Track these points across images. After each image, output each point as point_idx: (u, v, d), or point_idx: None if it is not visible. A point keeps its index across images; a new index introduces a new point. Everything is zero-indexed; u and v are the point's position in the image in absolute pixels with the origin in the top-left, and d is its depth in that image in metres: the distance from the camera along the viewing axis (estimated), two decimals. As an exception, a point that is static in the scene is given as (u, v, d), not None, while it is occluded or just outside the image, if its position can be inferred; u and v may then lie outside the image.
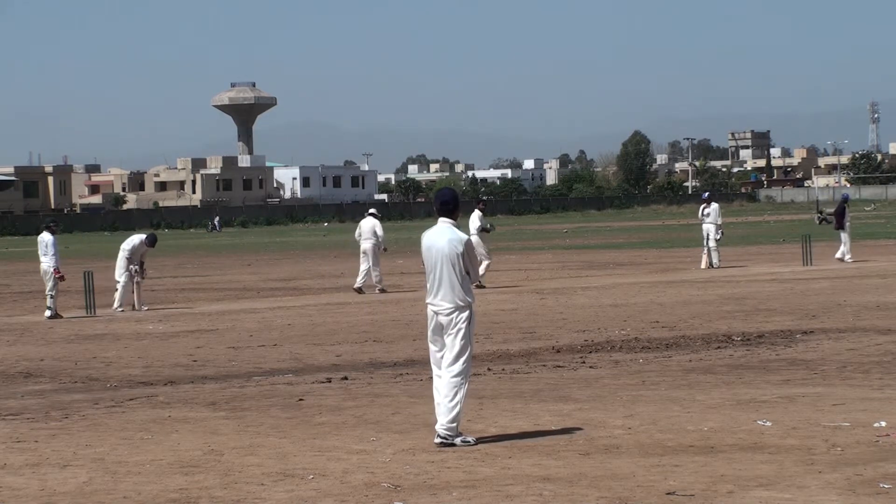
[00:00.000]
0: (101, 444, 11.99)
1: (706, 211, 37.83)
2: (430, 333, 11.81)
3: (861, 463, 10.14)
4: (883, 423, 11.72)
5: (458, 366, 11.53)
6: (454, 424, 11.42)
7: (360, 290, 31.59)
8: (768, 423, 11.94)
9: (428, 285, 11.78)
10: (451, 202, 11.85)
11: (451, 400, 11.44)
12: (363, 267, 32.00)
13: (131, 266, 28.65)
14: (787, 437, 11.32)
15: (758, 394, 13.81)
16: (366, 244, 32.07)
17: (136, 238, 29.42)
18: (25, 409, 14.53)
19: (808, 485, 9.48)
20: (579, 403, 13.51)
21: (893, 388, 14.08)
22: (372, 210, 34.17)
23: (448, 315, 11.56)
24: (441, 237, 11.69)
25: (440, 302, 11.62)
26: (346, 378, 16.14)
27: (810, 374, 15.39)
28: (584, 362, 17.07)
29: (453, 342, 11.56)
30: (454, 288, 11.58)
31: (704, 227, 37.82)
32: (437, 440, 11.42)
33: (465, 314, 11.58)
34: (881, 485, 9.40)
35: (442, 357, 11.64)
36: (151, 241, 29.47)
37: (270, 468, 10.60)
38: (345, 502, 9.40)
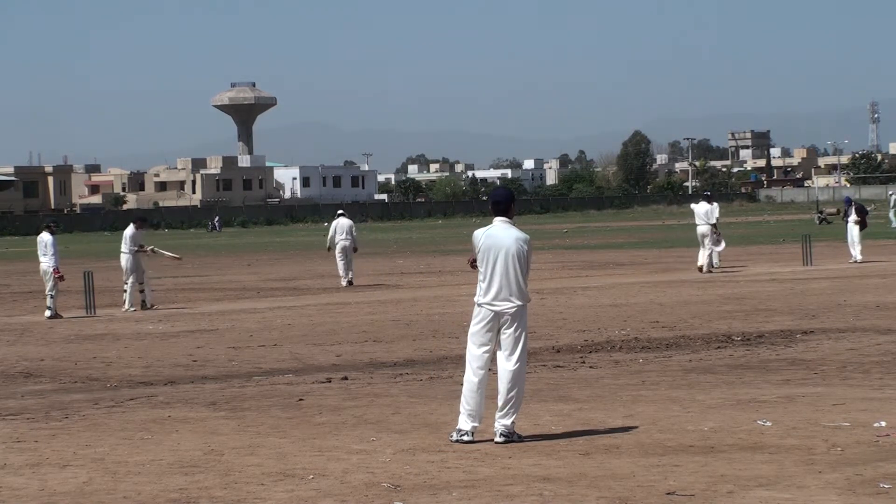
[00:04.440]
0: (101, 444, 11.99)
1: (702, 210, 37.64)
2: (478, 332, 11.62)
3: (861, 463, 10.13)
4: (883, 423, 11.71)
5: (520, 359, 11.57)
6: (514, 419, 11.52)
7: (351, 283, 34.43)
8: (768, 423, 11.93)
9: (484, 284, 11.61)
10: (504, 202, 11.82)
11: (510, 392, 11.50)
12: (343, 263, 34.73)
13: (142, 249, 29.09)
14: (787, 437, 11.32)
15: (758, 394, 13.80)
16: (344, 242, 34.82)
17: (127, 232, 29.38)
18: (25, 409, 14.53)
19: (808, 485, 9.48)
20: (579, 403, 13.50)
21: (893, 388, 14.08)
22: (342, 211, 37.06)
23: (513, 311, 11.55)
24: (506, 236, 11.65)
25: (506, 300, 11.55)
26: (346, 378, 16.13)
27: (810, 374, 15.39)
28: (584, 362, 17.07)
29: (516, 337, 11.56)
30: (520, 285, 11.59)
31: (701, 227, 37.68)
32: (500, 438, 11.43)
33: (526, 311, 11.65)
34: (881, 485, 9.40)
35: (489, 355, 11.62)
36: (136, 220, 30.14)
37: (270, 468, 10.60)
38: (345, 502, 9.40)
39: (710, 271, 35.94)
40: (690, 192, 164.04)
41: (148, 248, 29.64)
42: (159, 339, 22.11)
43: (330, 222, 37.23)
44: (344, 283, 34.56)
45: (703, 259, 35.55)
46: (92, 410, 14.14)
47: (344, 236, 34.86)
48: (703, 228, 35.63)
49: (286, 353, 19.31)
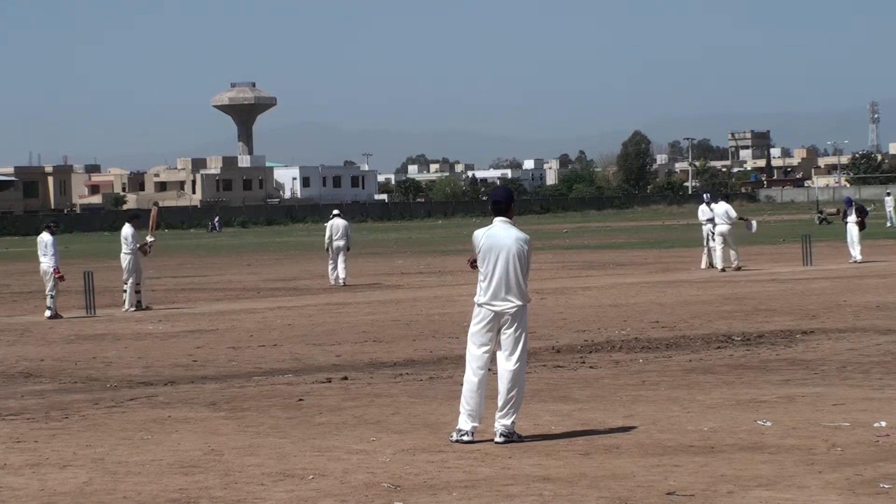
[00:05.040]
0: (101, 444, 11.99)
1: (712, 210, 37.70)
2: (478, 332, 11.61)
3: (861, 463, 10.13)
4: (883, 423, 11.71)
5: (520, 359, 11.55)
6: (514, 419, 11.52)
7: (344, 282, 34.92)
8: (768, 423, 11.93)
9: (484, 284, 11.59)
10: (504, 202, 11.82)
11: (510, 392, 11.49)
12: (340, 263, 35.15)
13: (144, 248, 29.19)
14: (787, 437, 11.32)
15: (758, 394, 13.80)
16: (340, 242, 35.33)
17: (127, 231, 29.29)
18: (25, 409, 14.53)
19: (808, 485, 9.48)
20: (579, 403, 13.50)
21: (893, 388, 14.08)
22: (337, 211, 37.61)
23: (513, 311, 11.54)
24: (506, 236, 11.64)
25: (506, 300, 11.53)
26: (346, 378, 16.13)
27: (810, 374, 15.39)
28: (584, 362, 17.07)
29: (516, 338, 11.55)
30: (520, 285, 11.58)
31: (705, 228, 37.84)
32: (500, 438, 11.42)
33: (526, 311, 11.64)
34: (881, 485, 9.40)
35: (489, 356, 11.61)
36: (131, 218, 30.22)
37: (270, 468, 10.59)
38: (345, 502, 9.40)
39: (724, 269, 36.14)
40: (690, 192, 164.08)
41: (148, 242, 29.67)
42: (159, 339, 22.11)
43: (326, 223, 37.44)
44: (332, 281, 35.20)
45: (730, 257, 36.44)
46: (92, 410, 14.14)
47: (339, 236, 35.42)
48: (722, 228, 36.37)
49: (286, 353, 19.30)
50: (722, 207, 36.89)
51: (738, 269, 35.92)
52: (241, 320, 25.30)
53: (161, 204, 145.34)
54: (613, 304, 26.37)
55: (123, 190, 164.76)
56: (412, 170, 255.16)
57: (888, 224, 69.49)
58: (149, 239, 29.78)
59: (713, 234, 37.42)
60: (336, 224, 35.77)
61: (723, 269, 35.88)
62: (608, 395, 14.09)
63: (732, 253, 36.45)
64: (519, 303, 11.58)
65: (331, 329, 22.90)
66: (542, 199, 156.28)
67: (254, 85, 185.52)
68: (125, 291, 28.63)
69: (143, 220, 30.42)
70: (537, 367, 16.37)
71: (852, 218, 38.65)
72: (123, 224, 29.80)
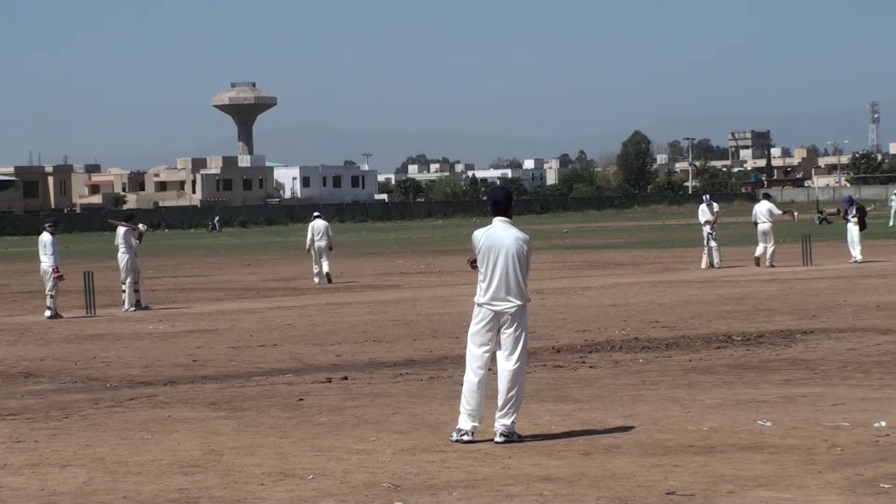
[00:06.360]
0: (101, 444, 11.99)
1: (712, 211, 38.10)
2: (478, 332, 11.61)
3: (861, 463, 10.14)
4: (883, 423, 11.72)
5: (520, 359, 11.55)
6: (515, 419, 11.52)
7: (328, 277, 36.07)
8: (768, 423, 11.94)
9: (484, 284, 11.60)
10: (504, 202, 11.85)
11: (510, 392, 11.49)
12: (324, 262, 36.27)
13: (134, 241, 29.28)
14: (787, 437, 11.32)
15: (758, 394, 13.81)
16: (320, 243, 36.50)
17: (124, 233, 29.31)
18: (25, 409, 14.53)
19: (808, 485, 9.48)
20: (579, 403, 13.51)
21: (893, 388, 14.08)
22: (317, 213, 39.07)
23: (513, 311, 11.54)
24: (505, 236, 11.64)
25: (506, 300, 11.53)
26: (346, 378, 16.13)
27: (810, 374, 15.40)
28: (584, 362, 17.07)
29: (516, 337, 11.55)
30: (520, 285, 11.58)
31: (705, 228, 38.02)
32: (500, 438, 11.42)
33: (526, 310, 11.64)
34: (881, 485, 9.40)
35: (489, 355, 11.61)
36: (127, 218, 30.65)
37: (270, 468, 10.60)
38: (345, 502, 9.40)
39: (770, 265, 36.65)
40: (690, 192, 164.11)
41: (140, 228, 29.79)
42: (159, 339, 22.11)
43: (328, 223, 37.82)
44: (316, 279, 36.22)
45: (759, 251, 37.78)
46: (92, 410, 14.14)
47: (320, 237, 36.59)
48: (764, 226, 37.75)
49: (286, 353, 19.30)
50: (764, 206, 38.37)
51: (757, 261, 37.21)
52: (241, 320, 25.30)
53: (161, 204, 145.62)
54: (613, 304, 26.38)
55: (123, 190, 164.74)
56: (412, 170, 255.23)
57: (890, 224, 69.54)
58: (140, 227, 29.79)
59: (713, 234, 37.73)
60: (317, 225, 36.88)
61: (708, 265, 37.22)
62: (608, 395, 14.09)
63: (763, 248, 37.49)
64: (519, 303, 11.58)
65: (331, 329, 22.90)
66: (542, 199, 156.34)
67: (254, 85, 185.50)
68: (124, 291, 28.65)
69: (137, 221, 30.40)
70: (537, 367, 16.37)
71: (853, 217, 38.65)
72: (121, 230, 29.80)
